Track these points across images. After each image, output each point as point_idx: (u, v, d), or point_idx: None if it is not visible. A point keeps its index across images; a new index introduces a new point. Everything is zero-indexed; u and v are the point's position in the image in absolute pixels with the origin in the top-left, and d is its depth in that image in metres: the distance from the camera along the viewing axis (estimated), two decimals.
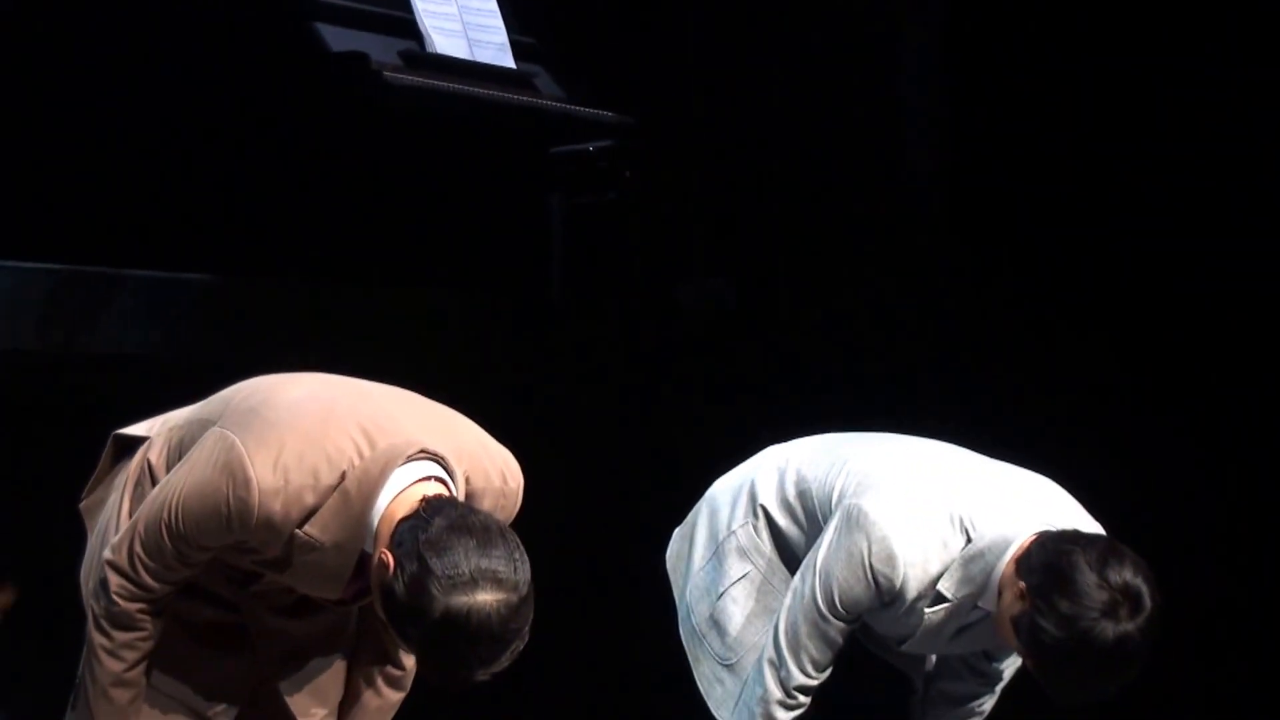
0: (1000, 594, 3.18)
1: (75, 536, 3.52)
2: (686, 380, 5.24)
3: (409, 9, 4.45)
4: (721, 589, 3.45)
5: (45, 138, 4.33)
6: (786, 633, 3.31)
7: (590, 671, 5.18)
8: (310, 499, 2.79)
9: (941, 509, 3.22)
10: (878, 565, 3.22)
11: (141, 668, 2.91)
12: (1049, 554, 3.09)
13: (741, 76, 5.20)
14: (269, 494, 2.77)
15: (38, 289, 3.95)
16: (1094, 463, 5.31)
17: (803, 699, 3.31)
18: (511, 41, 4.61)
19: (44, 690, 3.51)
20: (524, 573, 2.72)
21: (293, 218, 4.47)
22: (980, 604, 3.23)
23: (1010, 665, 3.45)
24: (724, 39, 5.27)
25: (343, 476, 2.79)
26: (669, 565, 3.61)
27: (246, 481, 2.78)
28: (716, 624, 3.45)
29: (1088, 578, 3.04)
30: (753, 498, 3.45)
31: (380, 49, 4.31)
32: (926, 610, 3.24)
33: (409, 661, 3.05)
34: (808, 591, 3.29)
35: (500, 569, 2.69)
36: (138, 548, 2.86)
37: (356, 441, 2.80)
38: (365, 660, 3.07)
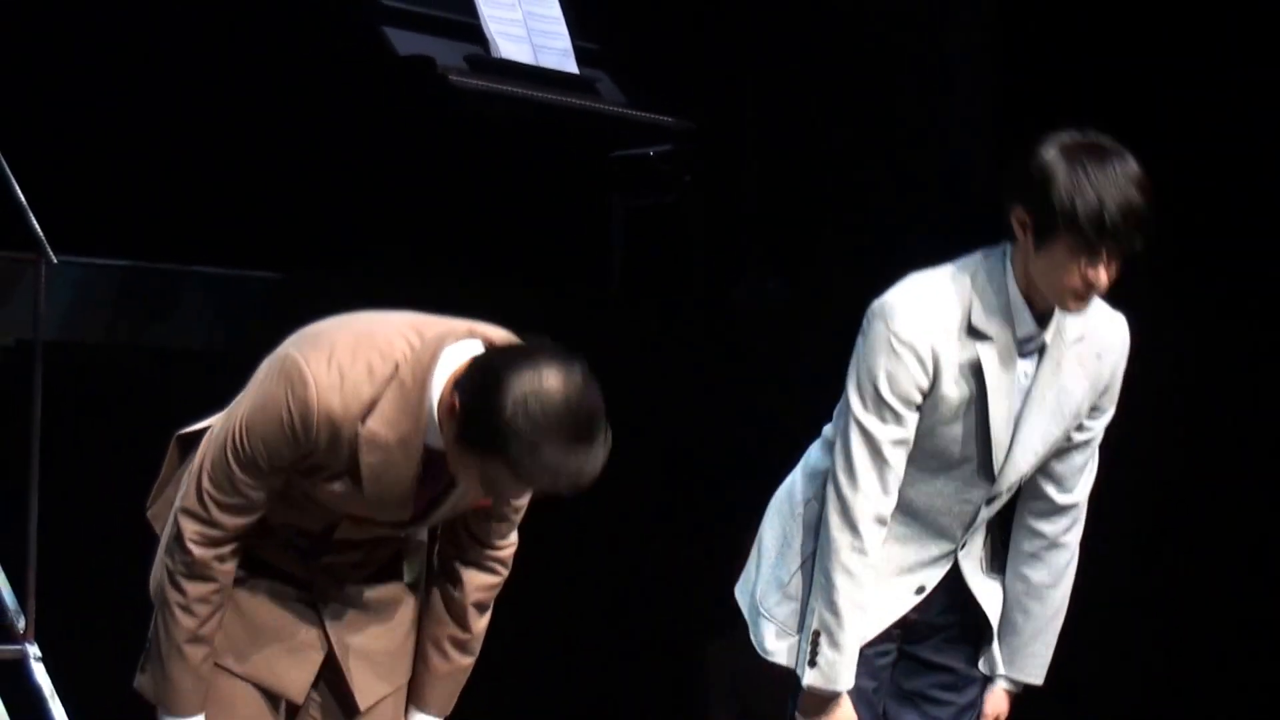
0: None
1: (139, 530, 3.51)
2: (742, 375, 5.22)
3: (475, 14, 4.51)
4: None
5: (115, 138, 4.39)
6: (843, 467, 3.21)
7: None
8: (367, 391, 2.76)
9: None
10: (890, 310, 3.14)
11: (214, 624, 2.89)
12: None
13: (797, 83, 5.18)
14: (326, 389, 2.75)
15: (107, 284, 3.98)
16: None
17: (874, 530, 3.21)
18: (575, 47, 4.66)
19: (109, 680, 3.50)
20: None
21: (360, 215, 4.51)
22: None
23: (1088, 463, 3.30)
24: (781, 46, 5.26)
25: (396, 368, 2.77)
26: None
27: (304, 380, 2.76)
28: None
29: None
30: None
31: (446, 53, 4.36)
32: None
33: (477, 625, 3.03)
34: (850, 405, 3.19)
35: (560, 366, 2.70)
36: (207, 485, 2.84)
37: (406, 336, 2.80)
38: (434, 626, 3.03)
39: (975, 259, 3.18)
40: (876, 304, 3.20)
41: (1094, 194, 3.05)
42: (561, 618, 5.13)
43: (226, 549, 2.87)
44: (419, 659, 3.04)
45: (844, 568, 3.23)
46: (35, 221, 3.79)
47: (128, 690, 3.11)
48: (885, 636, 3.29)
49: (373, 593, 3.01)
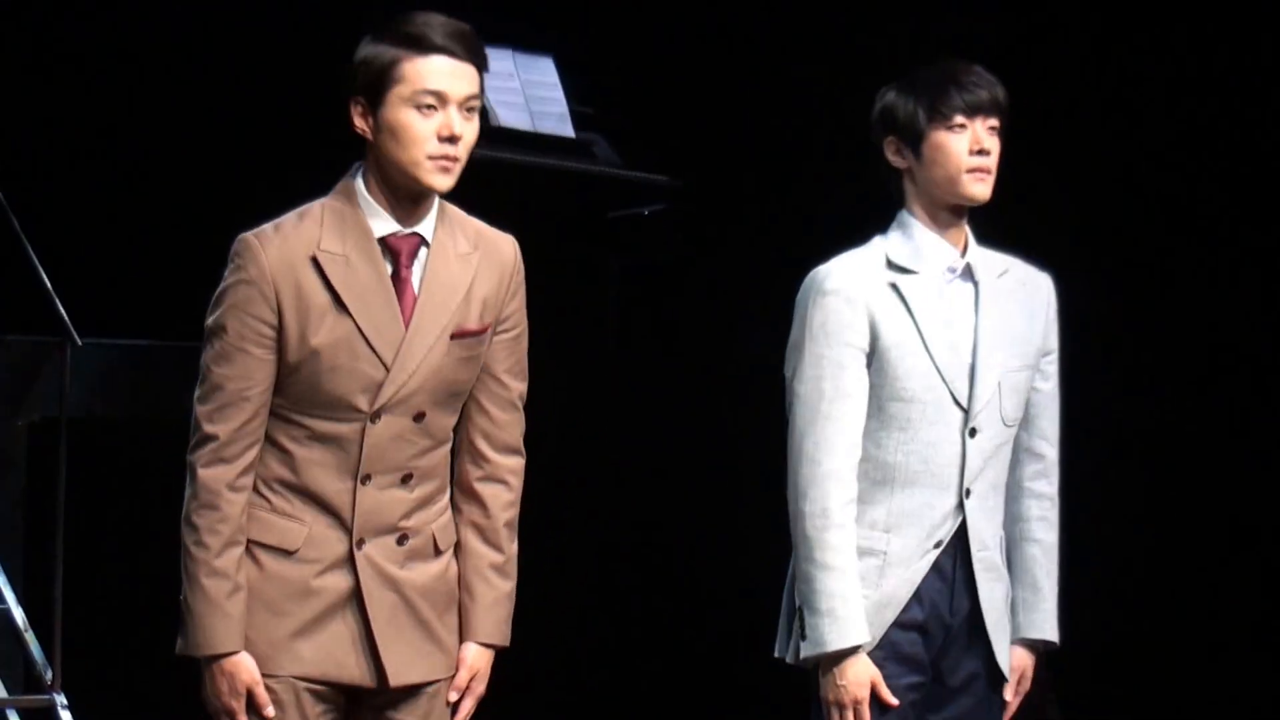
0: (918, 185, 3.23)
1: (159, 587, 3.54)
2: (737, 429, 5.18)
3: None
4: None
5: (135, 224, 4.48)
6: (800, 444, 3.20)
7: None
8: (306, 228, 2.89)
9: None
10: (814, 276, 3.22)
11: (231, 559, 2.90)
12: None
13: (788, 138, 5.21)
14: (265, 237, 2.88)
15: (128, 363, 4.06)
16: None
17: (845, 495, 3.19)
18: (571, 111, 4.67)
19: None
20: None
21: None
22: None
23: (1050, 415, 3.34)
24: (773, 105, 5.26)
25: (324, 202, 2.93)
26: None
27: (243, 241, 2.89)
28: None
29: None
30: None
31: None
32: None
33: (511, 548, 3.06)
34: (790, 379, 3.22)
35: None
36: (197, 406, 2.91)
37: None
38: (473, 559, 3.05)
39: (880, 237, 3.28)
40: (802, 285, 3.27)
41: (931, 75, 3.20)
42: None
43: (231, 472, 2.89)
44: (465, 594, 3.03)
45: (809, 537, 3.18)
46: (61, 307, 3.88)
47: None
48: (913, 671, 3.23)
49: (409, 574, 2.98)
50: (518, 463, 3.06)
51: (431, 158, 2.87)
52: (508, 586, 3.05)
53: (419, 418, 2.94)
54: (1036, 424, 3.33)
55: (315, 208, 2.95)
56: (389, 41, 2.88)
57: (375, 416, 2.90)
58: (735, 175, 5.24)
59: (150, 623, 4.32)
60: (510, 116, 4.54)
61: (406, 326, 2.91)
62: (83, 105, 4.61)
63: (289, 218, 2.94)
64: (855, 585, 3.16)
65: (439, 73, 2.88)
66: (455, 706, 3.04)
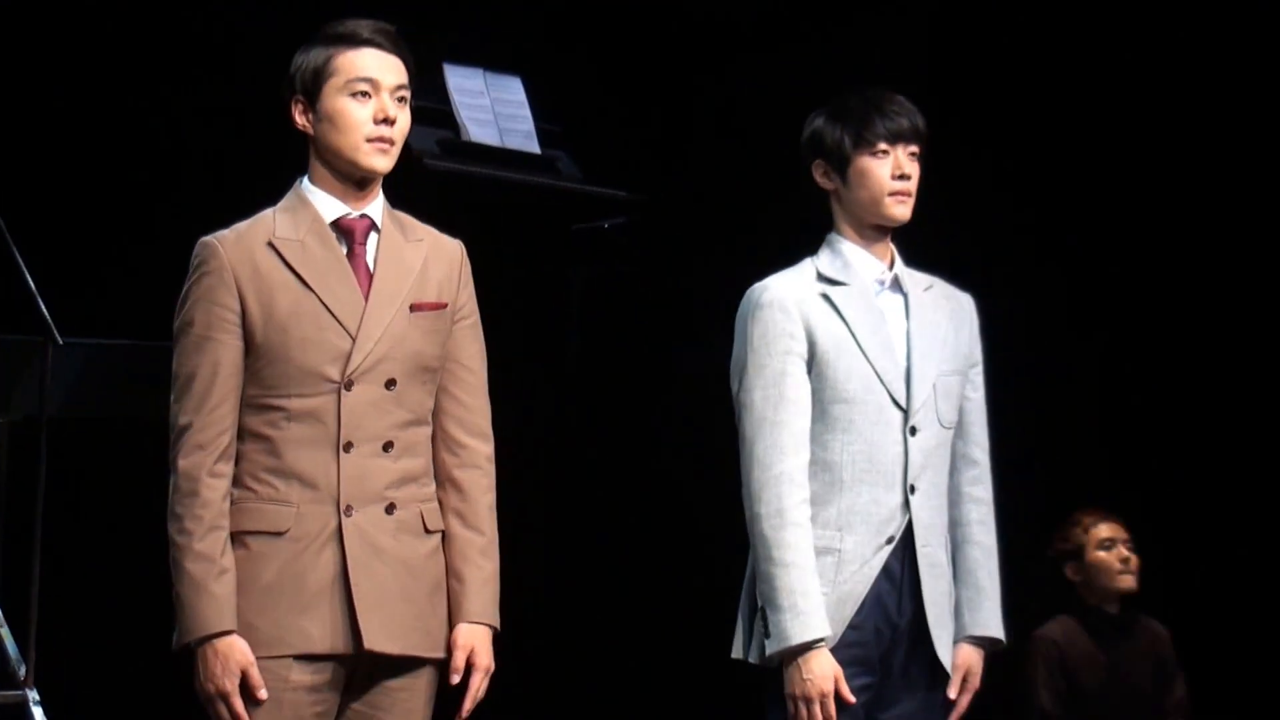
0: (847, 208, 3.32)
1: (135, 585, 3.56)
2: (688, 433, 5.21)
3: (447, 102, 4.59)
4: None
5: (117, 226, 4.46)
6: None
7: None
8: (258, 221, 2.99)
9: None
10: (750, 293, 3.30)
11: (215, 541, 2.90)
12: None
13: (740, 158, 5.24)
14: (221, 234, 2.98)
15: (109, 363, 4.02)
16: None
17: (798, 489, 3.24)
18: (537, 129, 4.71)
19: None
20: None
21: None
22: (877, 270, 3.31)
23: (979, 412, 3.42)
24: (726, 127, 5.31)
25: (275, 204, 3.02)
26: None
27: (201, 241, 2.97)
28: None
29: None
30: None
31: (420, 137, 4.39)
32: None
33: (492, 529, 3.09)
34: (736, 391, 3.28)
35: None
36: (174, 399, 2.94)
37: None
38: (459, 544, 3.07)
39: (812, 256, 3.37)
40: (740, 303, 3.34)
41: (856, 104, 3.31)
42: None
43: (209, 458, 2.91)
44: (454, 579, 3.04)
45: (766, 537, 3.21)
46: (43, 306, 3.83)
47: None
48: (864, 672, 3.25)
49: (398, 546, 3.00)
50: (490, 448, 3.11)
51: (369, 140, 2.96)
52: (492, 568, 3.07)
53: (390, 384, 2.97)
54: (970, 432, 3.40)
55: (266, 211, 3.03)
56: (322, 43, 3.00)
57: (348, 385, 2.94)
58: (690, 192, 5.25)
59: (125, 620, 4.36)
60: (480, 132, 4.58)
61: (366, 299, 2.96)
62: (66, 105, 4.58)
63: (241, 224, 3.02)
64: (815, 581, 3.19)
65: (369, 62, 2.98)
66: (464, 685, 3.02)
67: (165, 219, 4.33)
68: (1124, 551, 4.91)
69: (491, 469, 3.11)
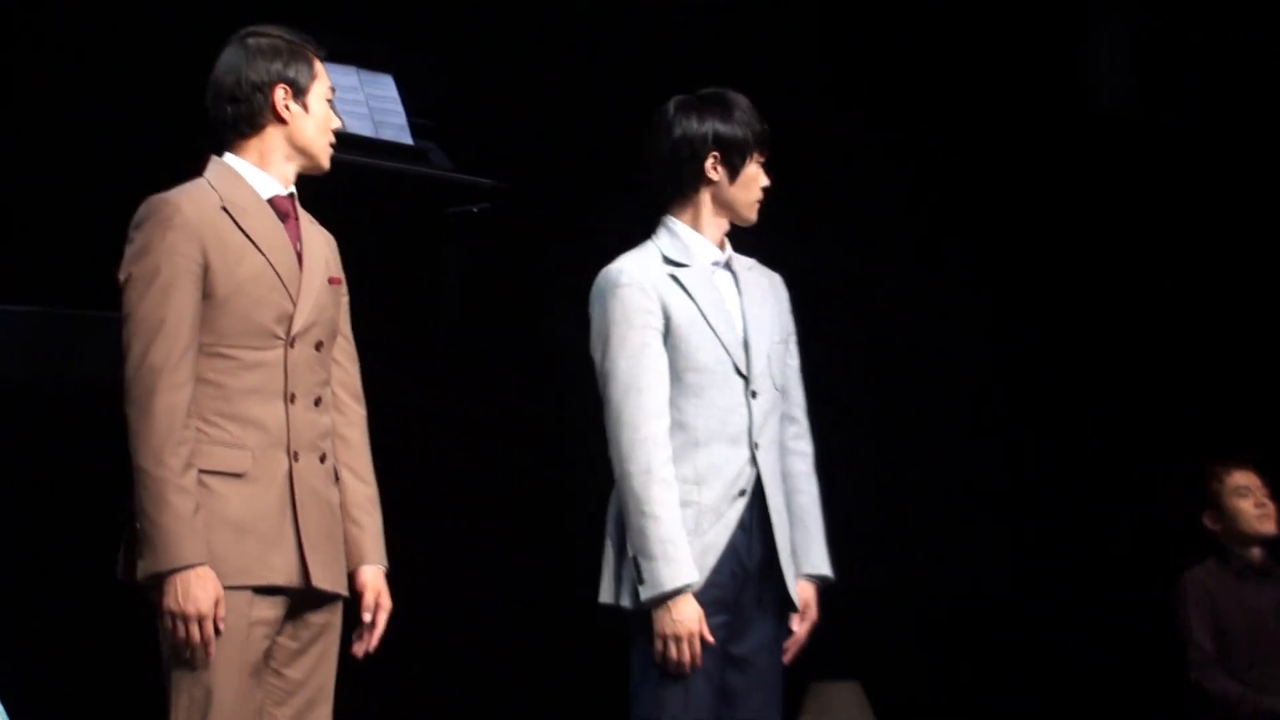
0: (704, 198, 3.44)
1: (57, 553, 3.71)
2: (549, 395, 5.33)
3: None
4: None
5: (36, 194, 4.43)
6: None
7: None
8: (200, 188, 3.05)
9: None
10: (606, 273, 3.39)
11: (191, 478, 2.92)
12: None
13: (596, 148, 5.32)
14: (176, 194, 3.04)
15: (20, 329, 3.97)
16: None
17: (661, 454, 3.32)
18: (410, 122, 4.75)
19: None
20: None
21: None
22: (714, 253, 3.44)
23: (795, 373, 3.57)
24: (587, 111, 5.40)
25: (199, 181, 3.09)
26: None
27: (158, 198, 3.04)
28: None
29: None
30: None
31: None
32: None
33: (373, 480, 3.23)
34: (599, 362, 3.38)
35: None
36: (132, 343, 2.95)
37: None
38: (354, 494, 3.19)
39: (649, 239, 3.50)
40: (596, 282, 3.44)
41: (745, 108, 3.45)
42: None
43: (183, 398, 2.94)
44: (353, 525, 3.17)
45: (637, 493, 3.31)
46: None
47: None
48: (721, 611, 3.37)
49: (327, 491, 3.11)
50: (365, 410, 3.28)
51: (331, 144, 3.23)
52: (380, 516, 3.23)
53: (319, 346, 3.13)
54: (791, 395, 3.59)
55: (199, 181, 3.11)
56: (298, 47, 3.16)
57: (291, 343, 3.07)
58: (551, 179, 5.34)
59: (60, 585, 4.28)
60: (356, 125, 4.61)
61: (300, 269, 3.12)
62: None
63: (181, 187, 3.09)
64: (682, 532, 3.32)
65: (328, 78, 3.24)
66: (372, 623, 3.16)
67: (90, 186, 4.29)
68: (1260, 498, 4.83)
69: (366, 427, 3.26)
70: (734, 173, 3.45)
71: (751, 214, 3.49)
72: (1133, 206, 5.83)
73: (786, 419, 3.56)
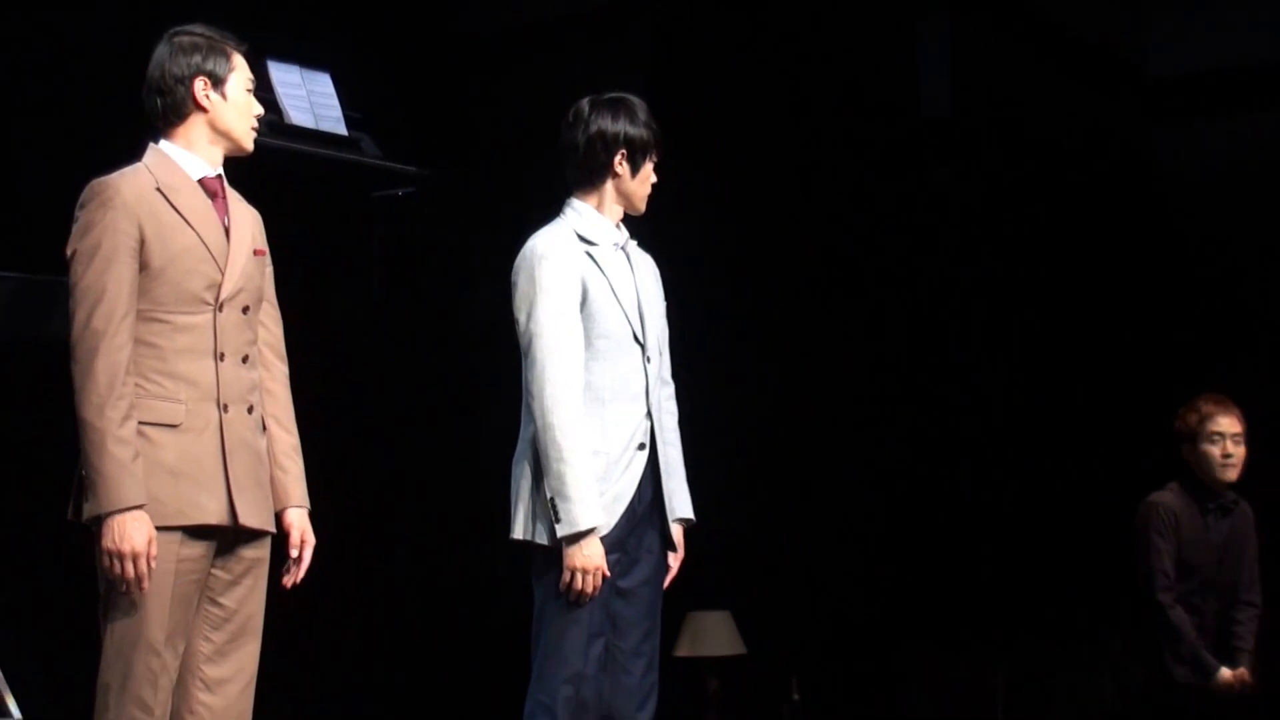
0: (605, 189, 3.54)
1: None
2: (470, 358, 5.48)
3: (271, 91, 4.80)
4: None
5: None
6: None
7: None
8: (138, 172, 3.13)
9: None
10: (533, 245, 3.50)
11: (130, 429, 3.01)
12: None
13: (510, 139, 5.50)
14: (116, 177, 3.12)
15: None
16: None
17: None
18: (345, 115, 4.94)
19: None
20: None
21: None
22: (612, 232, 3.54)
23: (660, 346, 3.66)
24: (498, 112, 5.57)
25: (138, 166, 3.14)
26: None
27: (101, 181, 3.11)
28: None
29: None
30: None
31: None
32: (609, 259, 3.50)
33: (296, 431, 3.31)
34: (523, 324, 3.46)
35: None
36: (77, 309, 3.03)
37: None
38: (280, 443, 3.30)
39: (560, 218, 3.60)
40: (522, 253, 3.53)
41: (644, 113, 3.59)
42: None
43: (123, 356, 3.01)
44: (278, 470, 3.26)
45: (557, 442, 3.42)
46: None
47: None
48: (613, 549, 3.49)
49: (255, 440, 3.21)
50: (286, 367, 3.38)
51: (253, 128, 3.31)
52: (302, 463, 3.33)
53: (246, 310, 3.25)
54: (665, 360, 3.73)
55: (137, 166, 3.20)
56: (216, 41, 3.24)
57: (220, 308, 3.18)
58: (467, 167, 5.49)
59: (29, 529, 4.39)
60: (299, 117, 4.78)
61: (228, 241, 3.22)
62: None
63: (121, 171, 3.18)
64: (593, 479, 3.45)
65: (250, 71, 3.32)
66: (299, 558, 3.26)
67: (32, 157, 4.43)
68: (1229, 447, 4.73)
69: (288, 384, 3.35)
70: (635, 169, 3.62)
71: (643, 205, 3.68)
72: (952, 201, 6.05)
73: (661, 382, 3.71)
